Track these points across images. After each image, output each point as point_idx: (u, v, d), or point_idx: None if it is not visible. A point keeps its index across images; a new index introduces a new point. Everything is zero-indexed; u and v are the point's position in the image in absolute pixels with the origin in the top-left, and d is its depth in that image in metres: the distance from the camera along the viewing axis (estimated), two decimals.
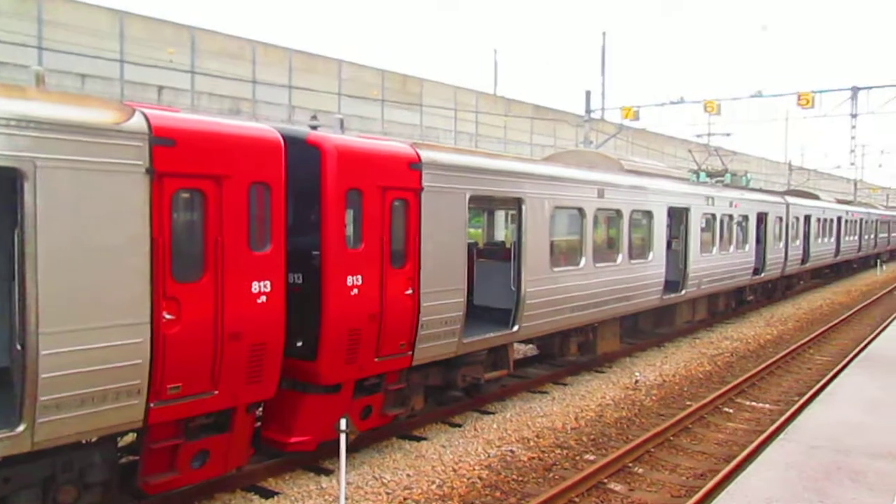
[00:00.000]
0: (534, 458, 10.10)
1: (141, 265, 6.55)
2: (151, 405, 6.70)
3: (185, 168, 6.86)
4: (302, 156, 8.41)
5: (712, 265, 19.54)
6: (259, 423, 9.03)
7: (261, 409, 8.90)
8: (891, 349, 13.82)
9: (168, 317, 6.73)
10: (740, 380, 14.37)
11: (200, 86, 24.81)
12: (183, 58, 24.29)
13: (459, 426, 11.35)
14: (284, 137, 7.86)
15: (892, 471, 7.36)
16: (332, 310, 8.49)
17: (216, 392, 7.22)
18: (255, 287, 7.44)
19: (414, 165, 9.52)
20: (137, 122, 6.54)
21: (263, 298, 7.51)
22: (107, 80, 22.18)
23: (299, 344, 8.52)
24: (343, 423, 7.97)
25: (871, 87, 29.46)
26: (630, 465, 9.91)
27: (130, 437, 7.65)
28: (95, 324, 6.25)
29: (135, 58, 22.64)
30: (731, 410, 12.93)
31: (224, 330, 7.14)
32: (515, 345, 13.07)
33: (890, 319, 21.14)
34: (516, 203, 11.78)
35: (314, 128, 9.57)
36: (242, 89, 26.12)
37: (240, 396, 7.52)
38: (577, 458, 10.22)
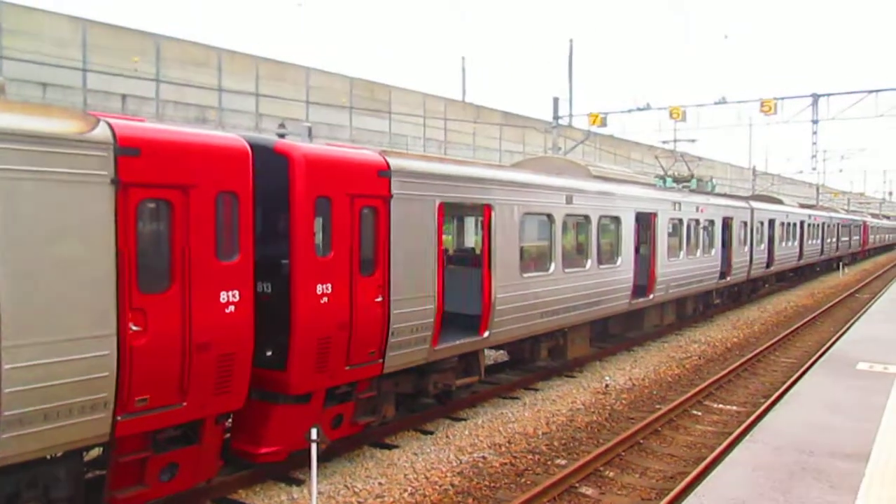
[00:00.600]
0: (505, 463, 10.12)
1: (106, 276, 6.46)
2: (119, 418, 6.61)
3: (150, 178, 6.80)
4: (270, 164, 8.36)
5: (680, 269, 19.78)
6: (228, 435, 8.95)
7: (230, 420, 8.82)
8: (853, 351, 14.09)
9: (135, 328, 6.65)
10: (708, 382, 14.57)
11: (166, 94, 24.52)
12: (148, 66, 24.00)
13: (431, 433, 11.34)
14: (252, 146, 7.82)
15: (854, 470, 7.51)
16: (302, 318, 8.45)
17: (184, 404, 7.14)
18: (224, 297, 7.39)
19: (383, 173, 9.53)
20: (102, 132, 6.47)
21: (232, 308, 7.46)
22: (69, 88, 21.82)
23: (269, 353, 8.46)
24: (314, 433, 7.92)
25: (830, 94, 30.16)
26: (601, 469, 9.99)
27: (97, 451, 7.52)
28: (60, 336, 6.15)
29: (98, 66, 22.32)
30: (699, 413, 13.10)
31: (192, 340, 7.07)
32: (486, 350, 13.11)
33: (852, 321, 21.57)
34: (486, 210, 11.83)
35: (282, 136, 9.53)
36: (209, 97, 25.86)
37: (208, 407, 7.44)
38: (549, 462, 10.27)
